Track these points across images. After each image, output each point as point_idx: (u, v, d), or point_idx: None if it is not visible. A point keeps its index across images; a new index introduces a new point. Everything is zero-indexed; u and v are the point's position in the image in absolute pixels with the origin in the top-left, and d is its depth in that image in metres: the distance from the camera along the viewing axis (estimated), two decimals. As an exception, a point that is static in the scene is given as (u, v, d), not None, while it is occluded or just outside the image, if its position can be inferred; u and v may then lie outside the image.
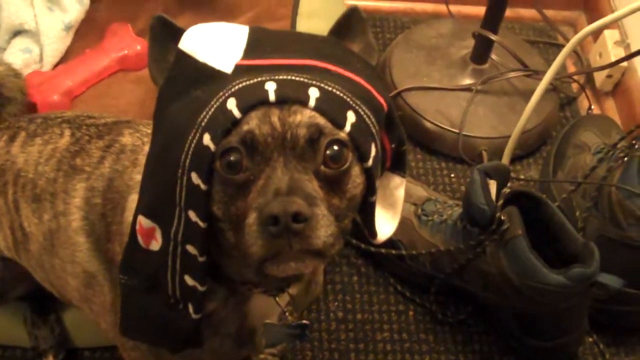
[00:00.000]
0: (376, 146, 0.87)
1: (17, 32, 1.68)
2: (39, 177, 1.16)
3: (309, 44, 0.90)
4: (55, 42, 1.68)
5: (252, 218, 0.80)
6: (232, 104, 0.81)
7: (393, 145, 0.93)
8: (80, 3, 1.74)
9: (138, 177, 1.03)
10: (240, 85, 0.82)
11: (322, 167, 0.83)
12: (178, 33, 0.89)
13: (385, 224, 0.99)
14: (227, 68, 0.84)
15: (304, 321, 1.08)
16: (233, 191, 0.83)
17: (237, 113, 0.80)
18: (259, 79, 0.82)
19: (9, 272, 1.36)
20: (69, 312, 1.53)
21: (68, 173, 1.14)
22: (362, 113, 0.85)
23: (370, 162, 0.86)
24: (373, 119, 0.86)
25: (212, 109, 0.81)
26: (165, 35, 0.90)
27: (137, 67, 1.69)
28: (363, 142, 0.85)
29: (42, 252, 1.18)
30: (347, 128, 0.83)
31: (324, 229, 0.80)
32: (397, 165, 0.97)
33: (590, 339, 1.70)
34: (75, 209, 1.12)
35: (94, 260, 1.11)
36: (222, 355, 1.10)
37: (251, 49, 0.86)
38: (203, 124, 0.81)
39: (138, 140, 1.14)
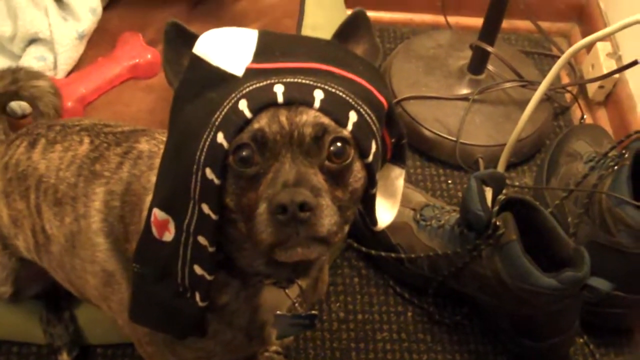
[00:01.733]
0: (376, 143, 0.92)
1: (32, 41, 1.70)
2: (60, 182, 1.20)
3: (313, 47, 0.94)
4: (69, 50, 1.71)
5: (262, 207, 0.85)
6: (243, 105, 0.86)
7: (393, 140, 0.98)
8: (93, 13, 1.76)
9: (154, 179, 1.07)
10: (251, 88, 0.87)
11: (327, 162, 0.88)
12: (191, 37, 0.93)
13: (385, 213, 1.04)
14: (239, 71, 0.89)
15: (313, 312, 1.12)
16: (245, 184, 0.88)
17: (248, 113, 0.85)
18: (268, 81, 0.87)
19: (25, 272, 1.40)
20: (83, 311, 1.56)
21: (88, 178, 1.18)
22: (363, 112, 0.90)
23: (370, 158, 0.91)
24: (374, 118, 0.91)
25: (225, 110, 0.86)
26: (178, 39, 0.94)
27: (148, 75, 1.72)
28: (364, 140, 0.90)
29: (63, 253, 1.22)
30: (349, 127, 0.88)
31: (328, 218, 0.86)
32: (398, 157, 1.02)
33: (582, 340, 1.74)
34: (95, 211, 1.16)
35: (112, 260, 1.15)
36: (234, 349, 1.14)
37: (260, 53, 0.90)
38: (217, 123, 0.86)
39: (155, 147, 1.17)
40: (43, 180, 1.23)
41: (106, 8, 1.85)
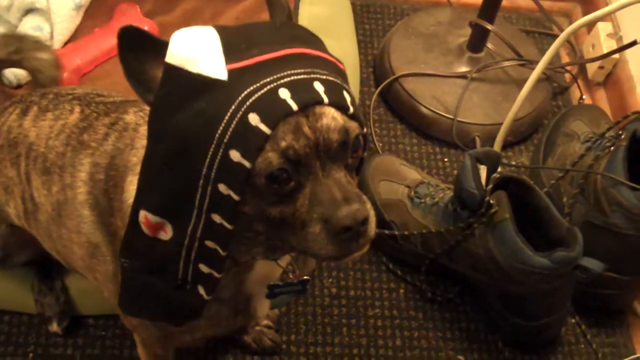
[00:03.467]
0: None
1: (29, 10, 1.71)
2: (49, 151, 1.20)
3: (274, 32, 0.92)
4: (65, 20, 1.71)
5: (317, 228, 0.87)
6: (255, 120, 0.83)
7: None
8: (91, -17, 1.78)
9: (134, 160, 1.06)
10: (254, 98, 0.83)
11: (349, 160, 0.91)
12: (149, 40, 0.88)
13: None
14: (222, 75, 0.85)
15: (305, 277, 1.13)
16: (276, 199, 0.88)
17: (265, 129, 0.83)
18: (267, 87, 0.84)
19: (14, 238, 1.40)
20: (75, 281, 1.57)
21: (76, 148, 1.17)
22: (347, 88, 0.90)
23: (365, 128, 0.93)
24: (349, 88, 0.92)
25: (232, 125, 0.83)
26: (136, 44, 0.88)
27: (144, 47, 1.73)
28: (359, 115, 0.91)
29: (50, 222, 1.21)
30: (351, 109, 0.89)
31: (374, 218, 0.89)
32: None
33: (573, 320, 1.74)
34: (81, 182, 1.15)
35: (97, 232, 1.14)
36: (219, 322, 1.14)
37: (229, 51, 0.86)
38: (225, 140, 0.83)
39: (141, 120, 1.16)
40: (33, 148, 1.23)
41: (104, -22, 1.85)
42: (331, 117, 0.87)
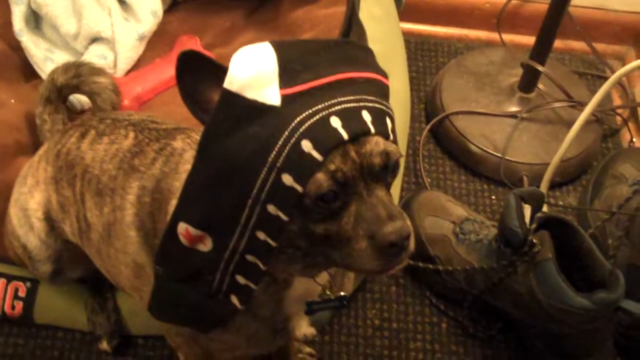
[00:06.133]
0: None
1: (95, 39, 1.78)
2: (103, 174, 1.25)
3: (328, 52, 0.94)
4: (128, 50, 1.78)
5: (363, 244, 0.91)
6: (308, 147, 0.87)
7: None
8: (154, 15, 1.84)
9: (177, 184, 1.10)
10: (306, 125, 0.88)
11: (389, 180, 0.96)
12: (206, 62, 0.91)
13: None
14: (276, 101, 0.88)
15: (342, 293, 1.15)
16: (321, 217, 0.92)
17: (318, 156, 0.88)
18: (319, 114, 0.88)
19: (68, 253, 1.45)
20: (127, 301, 1.61)
21: (127, 171, 1.22)
22: (390, 112, 0.96)
23: (402, 151, 0.97)
24: (391, 109, 0.97)
25: (286, 150, 0.87)
26: (194, 66, 0.91)
27: (203, 77, 1.78)
28: (397, 138, 0.97)
29: (100, 241, 1.26)
30: (391, 136, 0.95)
31: (413, 233, 0.94)
32: None
33: (616, 362, 1.73)
34: (129, 204, 1.20)
35: (142, 253, 1.19)
36: (258, 342, 1.17)
37: (284, 73, 0.89)
38: (278, 164, 0.88)
39: (187, 146, 1.19)
40: (88, 171, 1.28)
41: (167, 11, 1.92)
42: (374, 142, 0.92)
